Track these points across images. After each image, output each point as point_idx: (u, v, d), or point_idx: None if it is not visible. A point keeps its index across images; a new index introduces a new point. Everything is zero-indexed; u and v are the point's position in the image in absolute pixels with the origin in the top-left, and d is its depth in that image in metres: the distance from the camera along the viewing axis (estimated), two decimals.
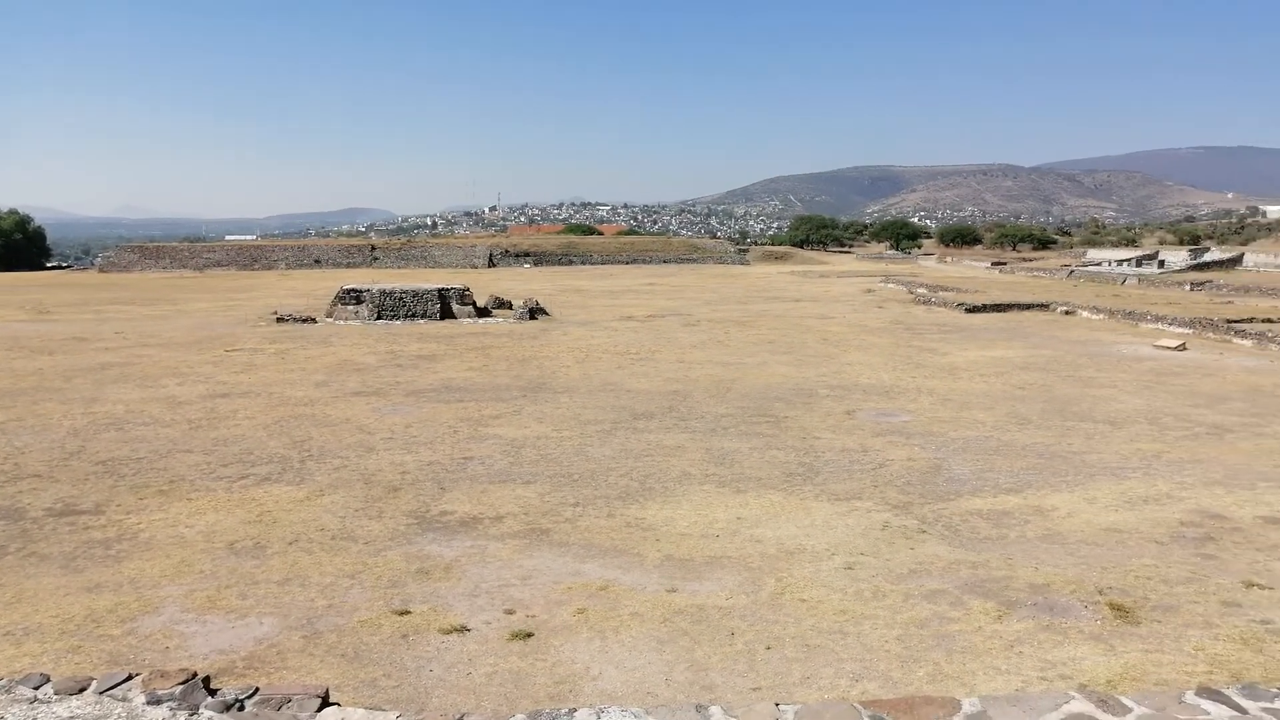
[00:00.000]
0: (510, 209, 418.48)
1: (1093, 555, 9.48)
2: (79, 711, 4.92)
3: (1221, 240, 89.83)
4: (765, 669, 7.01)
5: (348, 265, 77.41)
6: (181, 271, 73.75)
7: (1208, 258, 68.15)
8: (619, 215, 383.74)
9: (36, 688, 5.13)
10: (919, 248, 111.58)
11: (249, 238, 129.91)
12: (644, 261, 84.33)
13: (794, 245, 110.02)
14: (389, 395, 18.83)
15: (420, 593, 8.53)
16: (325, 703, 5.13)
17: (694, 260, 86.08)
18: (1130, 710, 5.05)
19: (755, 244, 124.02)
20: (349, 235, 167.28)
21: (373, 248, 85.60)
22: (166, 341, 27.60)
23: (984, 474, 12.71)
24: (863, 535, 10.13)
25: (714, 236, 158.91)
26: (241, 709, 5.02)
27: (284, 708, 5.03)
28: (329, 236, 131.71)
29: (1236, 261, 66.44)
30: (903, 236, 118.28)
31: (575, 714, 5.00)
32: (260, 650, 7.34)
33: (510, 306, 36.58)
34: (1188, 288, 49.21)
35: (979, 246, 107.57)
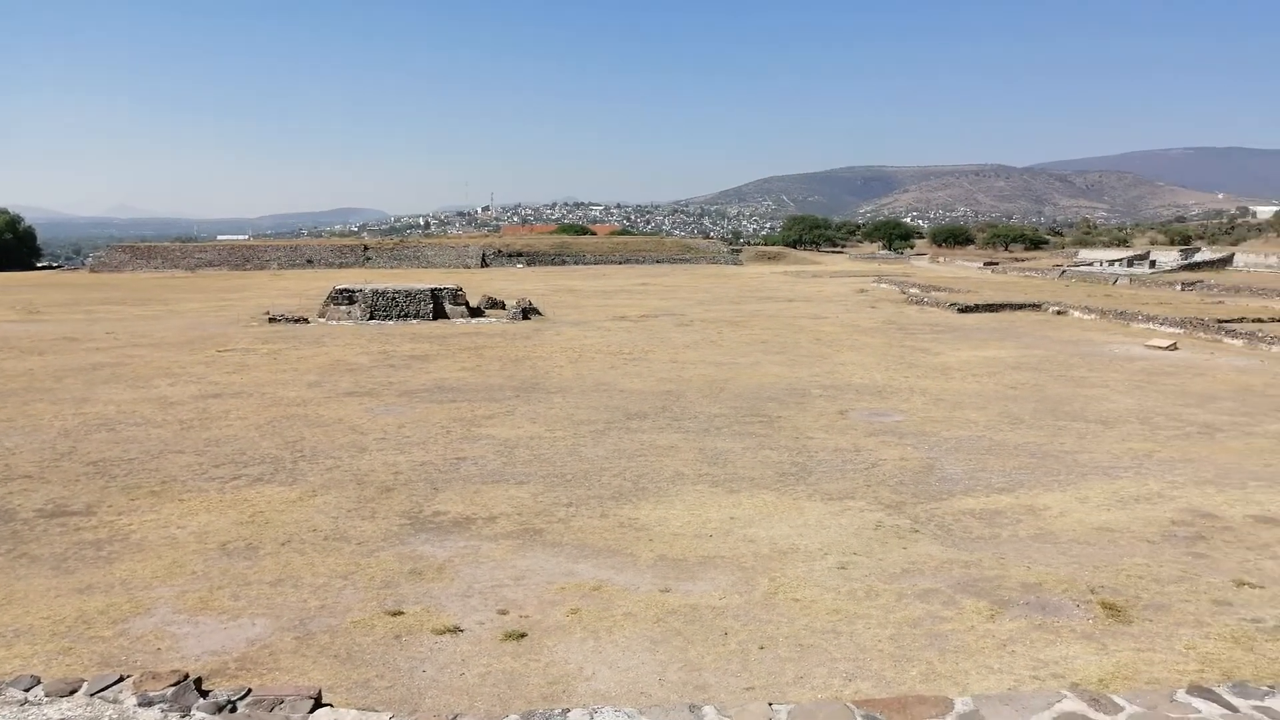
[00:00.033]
0: (503, 209, 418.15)
1: (1085, 554, 9.51)
2: (70, 713, 4.90)
3: (1212, 240, 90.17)
4: (759, 669, 7.02)
5: (340, 265, 77.19)
6: (173, 272, 73.46)
7: (1198, 258, 68.42)
8: (612, 215, 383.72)
9: (27, 690, 5.11)
10: (911, 248, 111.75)
11: (241, 238, 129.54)
12: (637, 261, 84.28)
13: (787, 245, 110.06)
14: (382, 395, 18.80)
15: (413, 593, 8.52)
16: (318, 704, 5.11)
17: (687, 260, 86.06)
18: (1122, 709, 5.07)
19: (748, 244, 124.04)
20: (342, 235, 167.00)
21: (365, 248, 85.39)
22: (158, 342, 27.50)
23: (976, 473, 12.75)
24: (856, 535, 10.15)
25: (707, 237, 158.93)
26: (234, 710, 5.01)
27: (276, 709, 5.02)
28: (321, 236, 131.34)
29: (1227, 262, 66.73)
30: (895, 236, 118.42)
31: (569, 714, 5.00)
32: (253, 651, 7.32)
33: (503, 306, 36.55)
34: (1179, 288, 49.41)
35: (971, 247, 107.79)
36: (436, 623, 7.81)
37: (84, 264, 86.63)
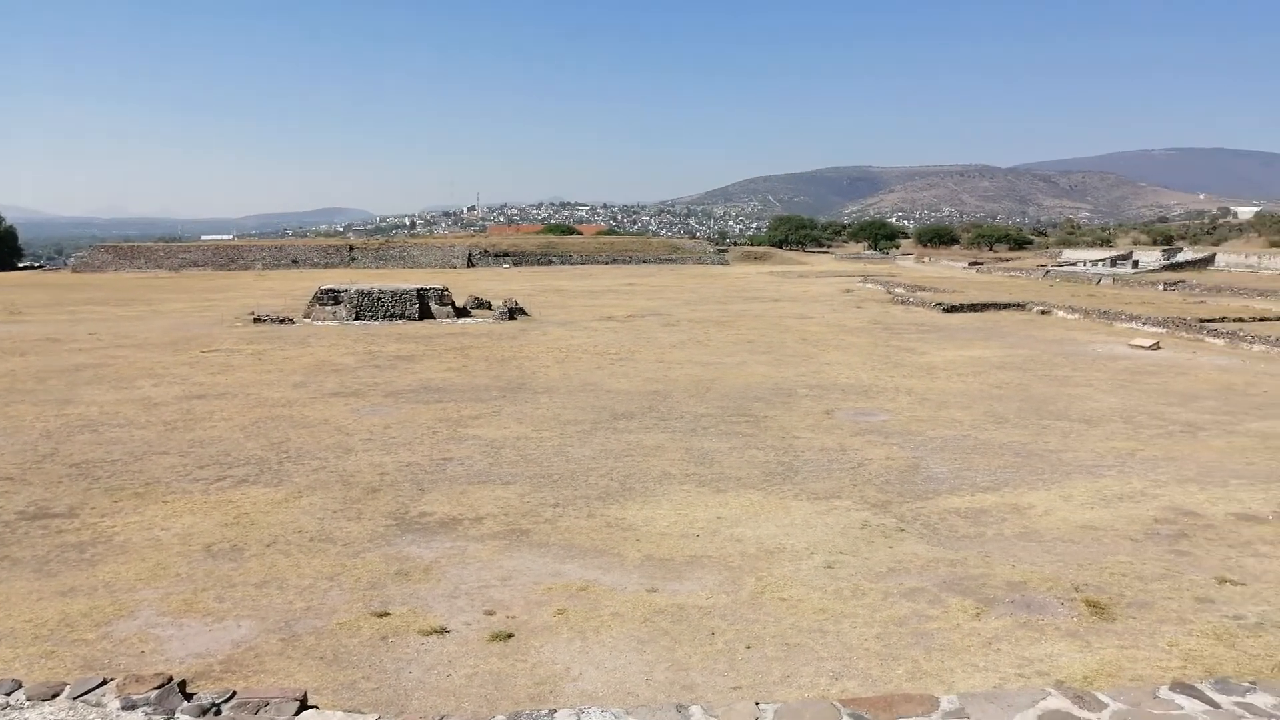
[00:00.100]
0: (489, 209, 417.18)
1: (1069, 552, 9.57)
2: (52, 717, 4.86)
3: (1194, 241, 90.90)
4: (745, 668, 7.03)
5: (325, 265, 76.85)
6: (157, 272, 72.94)
7: (1181, 258, 68.94)
8: (598, 215, 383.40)
9: (9, 694, 5.06)
10: (897, 248, 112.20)
11: (225, 238, 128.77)
12: (623, 262, 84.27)
13: (773, 245, 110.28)
14: (367, 396, 18.72)
15: (399, 594, 8.49)
16: (304, 706, 5.09)
17: (673, 260, 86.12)
18: (1106, 706, 5.11)
19: (734, 244, 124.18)
20: (326, 235, 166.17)
21: (350, 248, 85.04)
22: (141, 342, 27.30)
23: (962, 473, 12.81)
24: (842, 534, 10.18)
25: (693, 237, 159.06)
26: (218, 713, 4.98)
27: (262, 711, 5.00)
28: (306, 236, 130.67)
29: (1209, 262, 67.26)
30: (881, 237, 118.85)
31: (555, 715, 5.00)
32: (238, 653, 7.28)
33: (489, 307, 36.47)
34: (1161, 287, 49.80)
35: (956, 247, 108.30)
36: (423, 624, 7.78)
37: (66, 264, 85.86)
